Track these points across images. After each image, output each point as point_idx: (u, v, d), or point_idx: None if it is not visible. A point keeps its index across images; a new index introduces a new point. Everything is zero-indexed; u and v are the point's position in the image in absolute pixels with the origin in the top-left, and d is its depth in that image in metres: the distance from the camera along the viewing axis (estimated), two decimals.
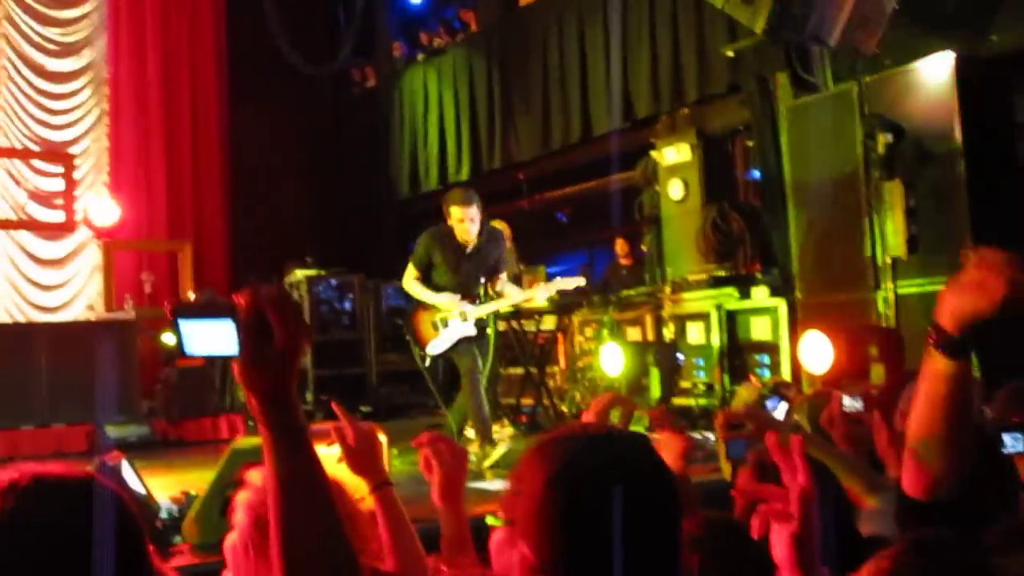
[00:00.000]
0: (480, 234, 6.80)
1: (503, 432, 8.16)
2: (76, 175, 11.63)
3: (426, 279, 6.88)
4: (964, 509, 2.32)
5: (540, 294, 7.28)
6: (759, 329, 8.09)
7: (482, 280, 6.90)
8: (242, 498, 2.23)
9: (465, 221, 6.71)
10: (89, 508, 1.35)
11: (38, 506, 1.35)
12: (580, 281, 7.40)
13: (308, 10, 14.14)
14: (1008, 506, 2.47)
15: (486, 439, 6.71)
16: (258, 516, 2.11)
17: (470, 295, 6.82)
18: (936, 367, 1.80)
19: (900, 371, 5.80)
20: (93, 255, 12.02)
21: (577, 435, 1.41)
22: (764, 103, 8.59)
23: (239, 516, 2.19)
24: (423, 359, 6.96)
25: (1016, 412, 3.30)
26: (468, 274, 6.87)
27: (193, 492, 4.66)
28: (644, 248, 10.23)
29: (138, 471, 4.49)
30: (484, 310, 6.86)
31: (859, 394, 2.86)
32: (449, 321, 6.79)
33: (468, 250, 6.82)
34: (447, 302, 6.76)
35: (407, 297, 7.19)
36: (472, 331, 6.80)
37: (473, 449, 6.85)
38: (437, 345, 6.83)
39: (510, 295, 7.11)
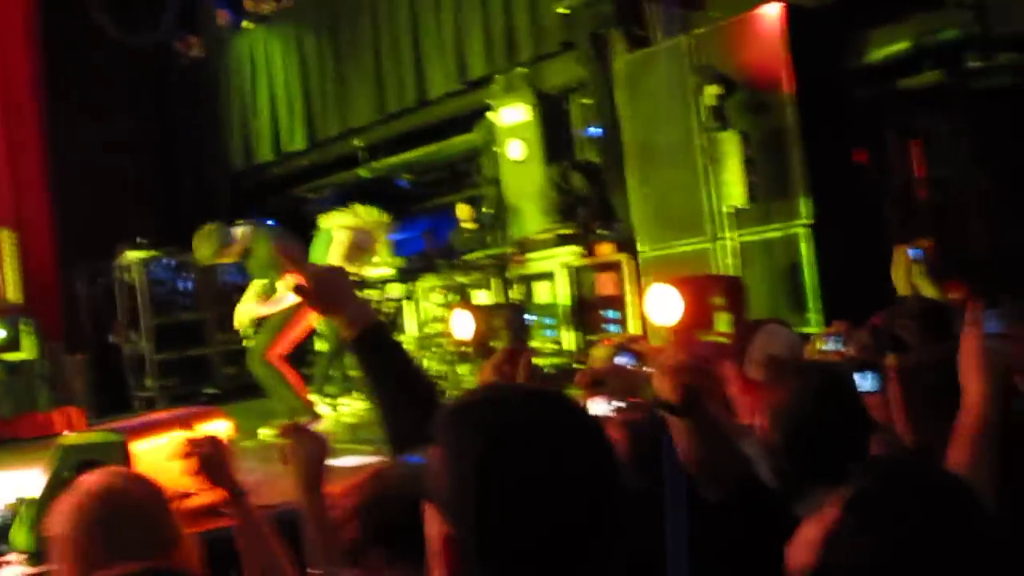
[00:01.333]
0: None
1: (354, 404, 8.04)
2: None
3: None
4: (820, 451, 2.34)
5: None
6: (605, 285, 8.14)
7: None
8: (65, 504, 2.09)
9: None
10: None
11: None
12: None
13: None
14: (861, 446, 2.50)
15: None
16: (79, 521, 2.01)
17: None
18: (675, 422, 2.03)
19: (744, 318, 5.92)
20: None
21: (500, 399, 1.31)
22: (598, 60, 8.62)
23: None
24: None
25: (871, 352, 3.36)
26: None
27: (26, 497, 4.37)
28: (485, 210, 10.18)
29: None
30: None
31: (711, 343, 2.85)
32: None
33: None
34: None
35: None
36: None
37: None
38: None
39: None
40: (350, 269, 6.68)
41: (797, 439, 2.34)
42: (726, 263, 7.00)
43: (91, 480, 2.13)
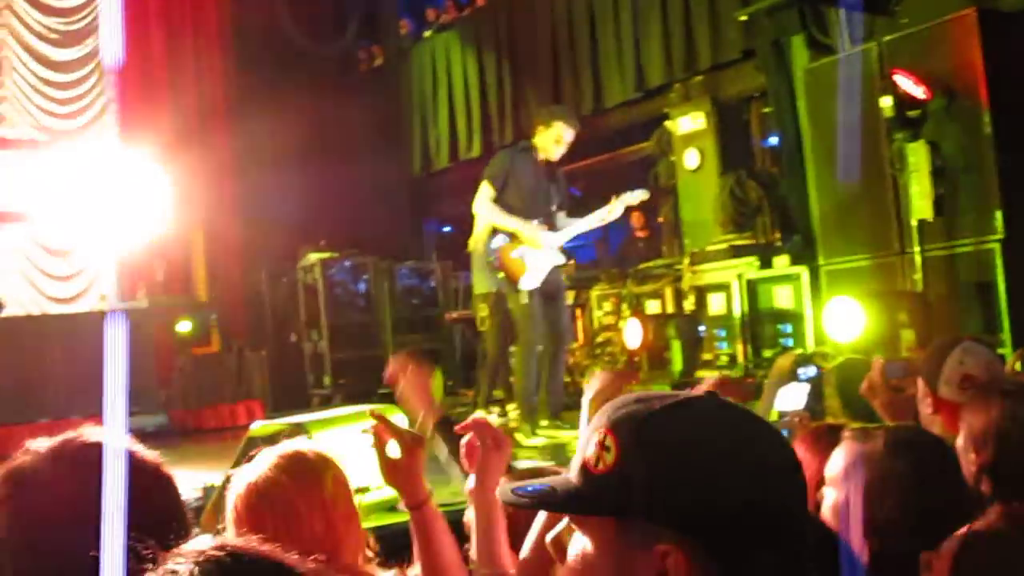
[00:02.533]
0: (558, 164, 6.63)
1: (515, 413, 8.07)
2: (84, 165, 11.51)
3: (497, 200, 6.52)
4: None
5: (615, 209, 6.87)
6: (781, 298, 7.94)
7: (553, 208, 6.65)
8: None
9: (563, 143, 6.50)
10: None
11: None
12: (642, 195, 7.13)
13: None
14: None
15: (530, 422, 6.44)
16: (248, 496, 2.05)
17: (546, 221, 6.53)
18: None
19: (929, 337, 5.67)
20: (105, 245, 11.92)
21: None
22: (779, 67, 8.42)
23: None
24: (519, 295, 6.45)
25: None
26: (542, 198, 6.60)
27: (211, 483, 4.57)
28: (660, 220, 10.10)
29: None
30: (566, 235, 6.62)
31: (901, 362, 2.73)
32: (531, 249, 6.44)
33: (544, 172, 6.57)
34: (527, 230, 6.39)
35: (487, 237, 6.62)
36: (561, 258, 6.55)
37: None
38: (531, 279, 6.41)
39: (580, 221, 6.82)
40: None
41: (1005, 462, 2.21)
42: (912, 278, 6.72)
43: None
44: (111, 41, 11.84)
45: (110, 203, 10.39)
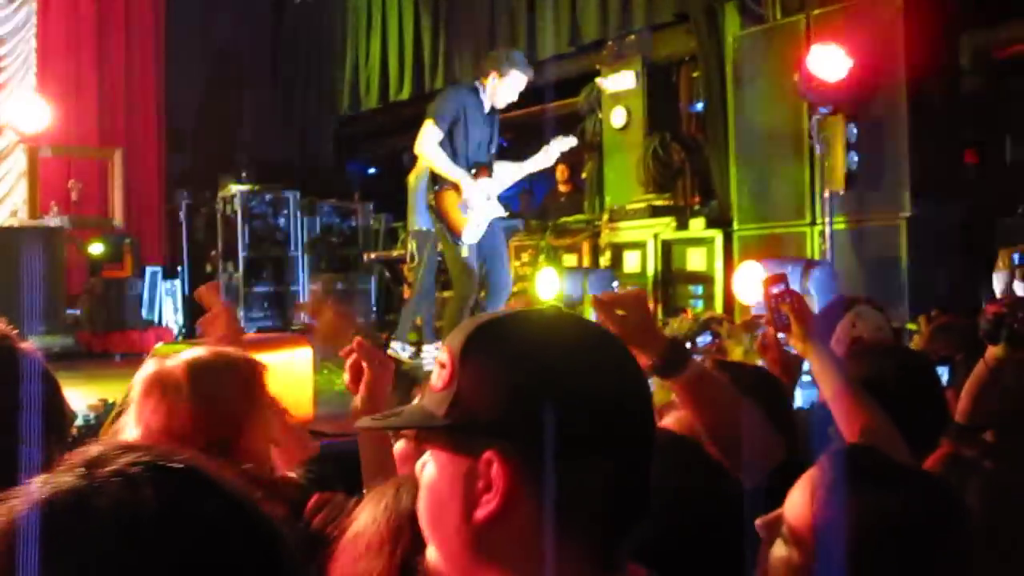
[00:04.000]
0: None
1: (436, 353, 8.10)
2: (1, 77, 11.20)
3: (441, 144, 6.34)
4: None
5: (549, 154, 6.78)
6: (695, 260, 8.10)
7: (491, 152, 6.56)
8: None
9: (515, 92, 6.41)
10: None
11: None
12: (572, 141, 7.04)
13: None
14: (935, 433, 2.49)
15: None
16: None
17: (481, 165, 6.42)
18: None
19: (832, 301, 5.84)
20: (19, 161, 11.64)
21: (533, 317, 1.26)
22: (711, 33, 8.53)
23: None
24: (457, 246, 6.32)
25: (942, 346, 3.33)
26: (481, 144, 6.49)
27: (111, 400, 4.55)
28: (584, 175, 10.17)
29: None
30: (504, 182, 6.54)
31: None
32: (472, 202, 6.31)
33: (485, 111, 6.44)
34: (470, 186, 6.25)
35: (431, 178, 6.45)
36: (500, 209, 6.44)
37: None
38: (471, 233, 6.30)
39: (514, 167, 6.73)
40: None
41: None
42: (822, 248, 6.91)
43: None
44: None
45: (27, 118, 10.12)
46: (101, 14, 12.32)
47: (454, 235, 6.29)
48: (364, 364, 2.17)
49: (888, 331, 3.24)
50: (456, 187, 6.33)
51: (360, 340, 2.22)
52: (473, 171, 6.42)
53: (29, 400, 1.52)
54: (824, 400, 2.32)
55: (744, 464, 2.02)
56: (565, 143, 6.85)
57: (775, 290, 2.43)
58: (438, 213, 6.33)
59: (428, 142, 6.31)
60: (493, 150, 6.63)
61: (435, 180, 6.38)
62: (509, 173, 6.69)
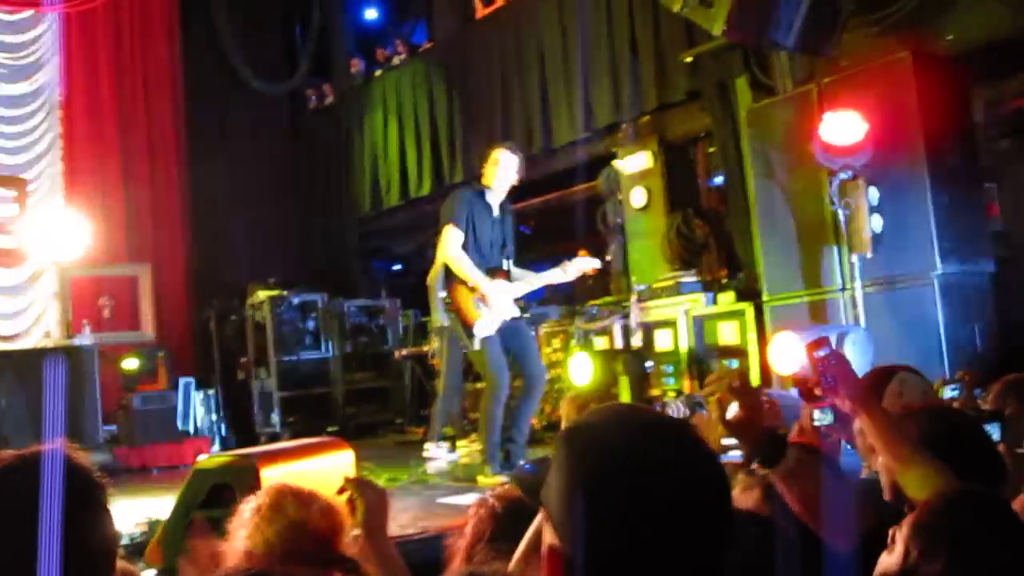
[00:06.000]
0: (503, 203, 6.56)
1: (472, 447, 8.05)
2: (30, 200, 11.41)
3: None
4: None
5: (569, 271, 6.72)
6: (727, 334, 8.06)
7: (504, 252, 6.53)
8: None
9: (510, 172, 6.40)
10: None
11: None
12: (595, 263, 7.05)
13: (263, 29, 14.05)
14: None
15: (491, 462, 6.27)
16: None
17: (496, 269, 6.41)
18: None
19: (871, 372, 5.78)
20: (51, 281, 11.80)
21: (618, 420, 1.32)
22: (724, 108, 8.61)
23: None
24: (471, 340, 6.26)
25: (1009, 404, 3.28)
26: (496, 245, 6.49)
27: (156, 517, 4.53)
28: (608, 258, 10.20)
29: None
30: (522, 289, 6.52)
31: (828, 406, 2.79)
32: (489, 299, 6.29)
33: (495, 214, 6.47)
34: (490, 291, 6.25)
35: (447, 273, 6.39)
36: (516, 311, 6.42)
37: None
38: (484, 326, 6.26)
39: (532, 276, 6.71)
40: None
41: None
42: (854, 313, 6.86)
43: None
44: (59, 76, 11.80)
45: (53, 241, 10.28)
46: (124, 134, 12.58)
47: (467, 328, 6.27)
48: (356, 497, 2.32)
49: (933, 396, 3.18)
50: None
51: (349, 477, 2.41)
52: (490, 273, 6.42)
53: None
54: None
55: (837, 530, 2.02)
56: (587, 263, 6.85)
57: (819, 354, 2.40)
58: (452, 307, 6.33)
59: (452, 246, 6.33)
60: (509, 254, 6.62)
61: (449, 275, 6.38)
62: (526, 282, 6.68)
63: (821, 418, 2.52)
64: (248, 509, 2.38)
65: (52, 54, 12.13)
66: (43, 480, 1.54)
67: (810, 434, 2.77)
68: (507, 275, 6.47)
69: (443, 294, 6.39)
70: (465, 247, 6.34)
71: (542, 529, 1.30)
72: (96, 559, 1.60)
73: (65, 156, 12.29)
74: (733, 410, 2.12)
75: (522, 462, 6.29)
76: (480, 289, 6.27)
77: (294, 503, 2.36)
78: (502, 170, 6.45)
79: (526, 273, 6.72)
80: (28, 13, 12.07)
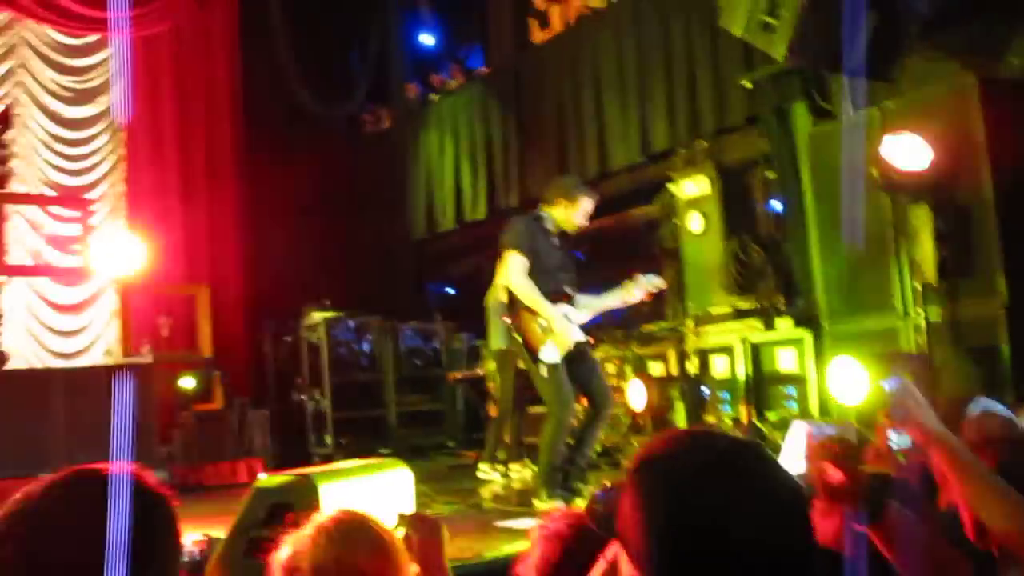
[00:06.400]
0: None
1: (523, 472, 8.03)
2: (93, 220, 11.62)
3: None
4: None
5: (635, 294, 6.64)
6: (785, 361, 7.97)
7: (567, 278, 6.48)
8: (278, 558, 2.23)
9: (583, 214, 6.39)
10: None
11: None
12: (660, 283, 6.96)
13: (322, 53, 14.18)
14: None
15: (548, 486, 6.14)
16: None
17: (560, 295, 6.35)
18: None
19: (934, 400, 5.67)
20: (111, 300, 11.99)
21: (696, 449, 1.30)
22: (782, 133, 8.54)
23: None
24: (536, 366, 6.18)
25: None
26: (559, 272, 6.43)
27: (215, 535, 4.54)
28: (664, 283, 10.14)
29: None
30: (586, 316, 6.47)
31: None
32: (553, 325, 6.18)
33: (556, 241, 6.43)
34: (552, 312, 6.16)
35: (509, 299, 6.33)
36: (581, 336, 6.36)
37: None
38: (550, 352, 6.17)
39: (596, 300, 6.64)
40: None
41: None
42: (916, 341, 6.75)
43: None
44: (122, 100, 12.02)
45: (114, 260, 10.44)
46: (184, 155, 12.78)
47: (532, 354, 6.20)
48: (411, 533, 2.30)
49: (1017, 427, 3.10)
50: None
51: (403, 513, 2.38)
52: (554, 297, 6.34)
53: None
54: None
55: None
56: (652, 283, 6.76)
57: (890, 386, 2.35)
58: (518, 332, 6.29)
59: (517, 273, 6.26)
60: (570, 278, 6.59)
61: (513, 301, 6.32)
62: (590, 306, 6.63)
63: (898, 441, 2.47)
64: (308, 526, 2.35)
65: (116, 77, 12.37)
66: (110, 496, 1.54)
67: (887, 458, 2.71)
68: (571, 300, 6.41)
69: (507, 320, 6.35)
70: (529, 274, 6.28)
71: (617, 561, 1.28)
72: (161, 570, 1.61)
73: (127, 177, 12.51)
74: (836, 475, 2.08)
75: (582, 485, 6.26)
76: (545, 315, 6.21)
77: (354, 533, 2.32)
78: (579, 216, 6.43)
79: (589, 298, 6.67)
80: (93, 37, 12.33)
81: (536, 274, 6.30)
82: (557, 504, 5.90)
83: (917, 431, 2.32)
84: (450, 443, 11.64)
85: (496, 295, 7.92)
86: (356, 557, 2.19)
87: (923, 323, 6.61)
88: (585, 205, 6.44)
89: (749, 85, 8.77)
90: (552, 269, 6.40)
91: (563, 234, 6.57)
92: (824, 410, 7.30)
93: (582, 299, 6.53)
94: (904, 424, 2.35)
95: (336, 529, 2.26)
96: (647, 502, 1.22)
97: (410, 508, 4.58)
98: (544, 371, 6.15)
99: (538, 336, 6.20)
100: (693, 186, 9.31)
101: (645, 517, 1.21)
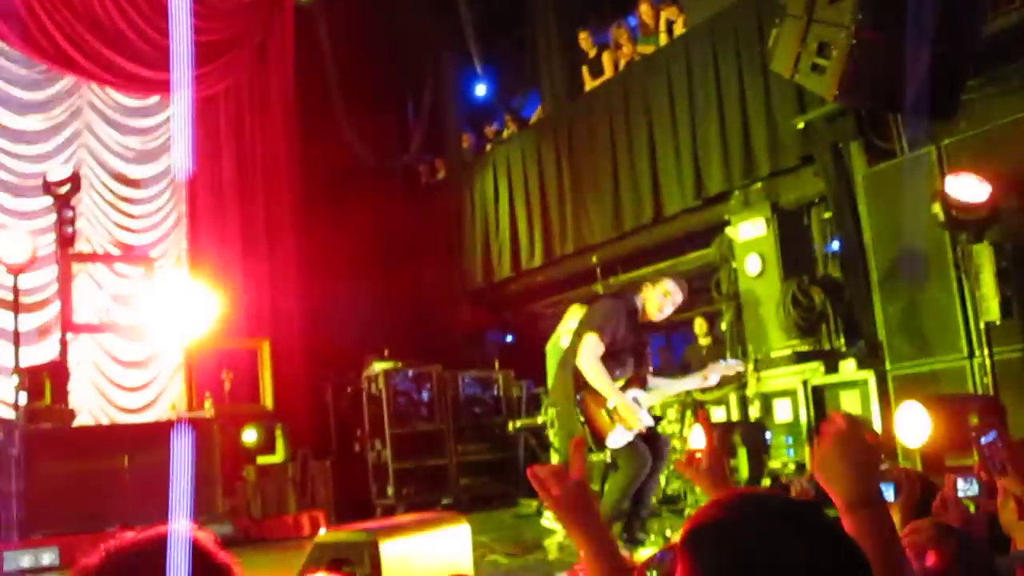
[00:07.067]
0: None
1: None
2: (156, 277, 11.83)
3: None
4: None
5: (710, 378, 6.63)
6: (848, 403, 7.84)
7: (642, 360, 6.49)
8: None
9: (671, 307, 6.42)
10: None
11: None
12: (740, 367, 6.95)
13: (377, 106, 14.40)
14: None
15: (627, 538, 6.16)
16: None
17: (635, 378, 6.37)
18: None
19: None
20: (175, 355, 12.17)
21: (752, 517, 1.27)
22: (838, 173, 8.46)
23: None
24: (601, 451, 6.18)
25: None
26: (636, 360, 6.44)
27: None
28: (723, 327, 10.06)
29: None
30: (656, 397, 6.47)
31: (973, 476, 2.68)
32: (621, 412, 6.16)
33: (638, 327, 6.42)
34: (621, 401, 6.12)
35: (570, 377, 6.30)
36: (650, 421, 6.32)
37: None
38: (617, 437, 6.15)
39: (668, 384, 6.69)
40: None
41: None
42: (984, 381, 6.60)
43: None
44: (184, 158, 12.28)
45: (179, 315, 10.61)
46: (244, 211, 12.99)
47: (597, 440, 6.13)
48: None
49: None
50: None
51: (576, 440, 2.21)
52: (626, 380, 6.34)
53: None
54: None
55: None
56: (729, 368, 6.72)
57: (986, 439, 2.31)
58: (583, 415, 6.22)
59: (590, 357, 6.21)
60: (647, 362, 6.54)
61: (581, 380, 6.25)
62: (663, 388, 6.61)
63: (966, 488, 2.42)
64: None
65: (177, 136, 12.65)
66: (169, 563, 1.55)
67: (954, 506, 2.65)
68: (642, 383, 6.38)
69: (577, 403, 6.28)
70: (604, 357, 6.24)
71: None
72: None
73: (189, 234, 12.75)
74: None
75: (644, 535, 6.20)
76: (614, 401, 6.16)
77: None
78: (666, 303, 6.41)
79: (663, 381, 6.65)
80: (155, 99, 12.64)
81: (612, 357, 6.27)
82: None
83: (1016, 484, 2.27)
84: (511, 492, 11.59)
85: (556, 343, 7.92)
86: None
87: (988, 363, 6.47)
88: (673, 294, 6.43)
89: (802, 125, 8.73)
90: (628, 352, 6.37)
91: (647, 321, 6.52)
92: (891, 455, 7.15)
93: (655, 382, 6.49)
94: (1001, 474, 2.30)
95: None
96: (698, 570, 1.20)
97: (468, 567, 4.56)
98: (608, 456, 6.17)
99: (605, 423, 6.14)
100: (750, 228, 9.26)
101: None
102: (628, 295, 6.59)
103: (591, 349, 6.19)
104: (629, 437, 6.17)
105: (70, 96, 12.24)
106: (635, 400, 6.23)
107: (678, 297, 6.43)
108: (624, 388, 6.27)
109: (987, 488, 2.61)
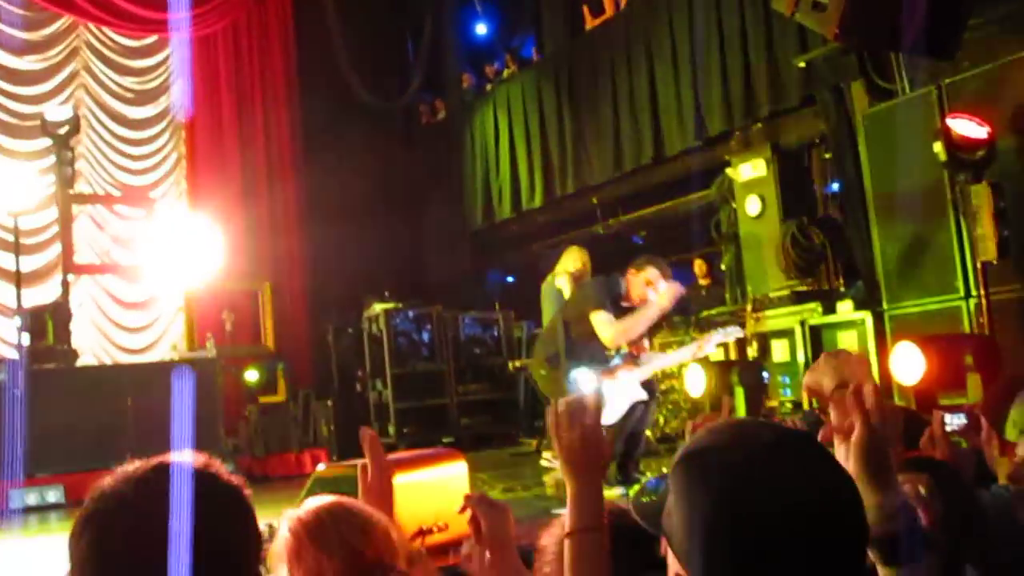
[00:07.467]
0: None
1: None
2: (156, 218, 11.82)
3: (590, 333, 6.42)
4: None
5: (706, 346, 6.70)
6: (845, 343, 7.87)
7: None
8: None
9: (654, 295, 6.47)
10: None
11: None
12: (739, 332, 7.05)
13: (377, 46, 14.29)
14: None
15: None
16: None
17: (627, 358, 6.47)
18: None
19: (998, 379, 5.58)
20: (176, 296, 12.22)
21: (740, 443, 1.25)
22: (840, 113, 8.42)
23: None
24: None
25: None
26: None
27: (276, 524, 4.62)
28: (723, 267, 10.08)
29: None
30: (650, 369, 6.54)
31: (962, 410, 2.71)
32: (616, 387, 6.34)
33: (624, 306, 6.52)
34: (656, 306, 6.36)
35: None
36: (643, 394, 6.43)
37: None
38: (611, 414, 6.29)
39: (661, 357, 6.84)
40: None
41: None
42: (980, 321, 6.63)
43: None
44: (183, 99, 12.22)
45: (180, 256, 10.63)
46: (243, 152, 12.97)
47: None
48: (480, 515, 2.23)
49: None
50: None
51: (469, 495, 2.30)
52: (619, 361, 6.43)
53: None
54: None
55: None
56: (728, 335, 6.81)
57: (952, 421, 2.35)
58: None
59: (607, 328, 6.37)
60: (637, 341, 6.60)
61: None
62: (658, 361, 6.69)
63: (953, 422, 2.46)
64: (296, 530, 2.30)
65: (176, 77, 12.57)
66: (173, 490, 1.57)
67: (941, 441, 2.69)
68: (634, 361, 6.47)
69: (570, 385, 6.35)
70: (591, 338, 6.38)
71: (666, 558, 1.27)
72: (236, 560, 1.62)
73: (188, 174, 12.72)
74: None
75: (639, 475, 6.28)
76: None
77: (350, 527, 2.28)
78: (644, 284, 6.47)
79: (655, 355, 6.76)
80: (153, 39, 12.54)
81: (596, 340, 6.38)
82: (617, 492, 5.93)
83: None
84: (511, 431, 11.70)
85: (551, 282, 7.96)
86: (366, 545, 2.18)
87: (985, 303, 6.49)
88: (651, 275, 6.47)
89: (803, 65, 8.67)
90: None
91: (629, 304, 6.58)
92: (887, 393, 7.20)
93: (648, 356, 6.57)
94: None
95: (334, 524, 2.24)
96: (690, 497, 1.19)
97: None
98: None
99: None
100: (750, 169, 9.23)
101: (688, 512, 1.18)
102: (614, 277, 6.65)
103: (605, 323, 6.35)
104: (623, 410, 6.30)
105: (67, 35, 12.15)
106: (625, 379, 6.34)
107: (661, 285, 6.48)
108: (614, 370, 6.39)
109: (973, 422, 2.65)
